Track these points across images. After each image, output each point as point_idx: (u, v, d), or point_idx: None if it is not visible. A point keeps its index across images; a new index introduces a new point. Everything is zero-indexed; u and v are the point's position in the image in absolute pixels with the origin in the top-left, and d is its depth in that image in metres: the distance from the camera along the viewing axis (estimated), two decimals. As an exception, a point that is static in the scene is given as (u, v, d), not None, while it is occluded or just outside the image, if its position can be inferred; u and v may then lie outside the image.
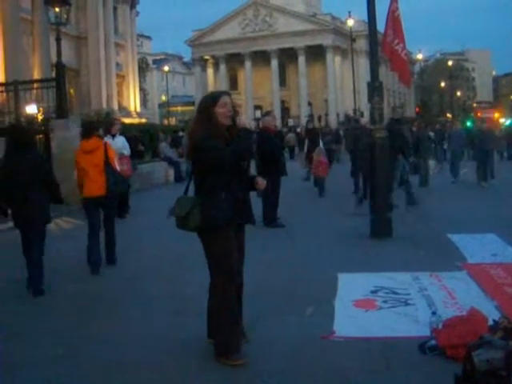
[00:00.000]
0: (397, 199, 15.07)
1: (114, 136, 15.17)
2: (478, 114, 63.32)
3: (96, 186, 9.77)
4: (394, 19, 12.92)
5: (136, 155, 28.34)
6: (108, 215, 10.27)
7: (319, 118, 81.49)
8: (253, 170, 7.66)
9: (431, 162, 24.11)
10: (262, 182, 5.86)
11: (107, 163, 9.94)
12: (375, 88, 12.19)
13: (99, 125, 12.08)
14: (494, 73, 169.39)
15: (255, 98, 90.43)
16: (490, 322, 5.68)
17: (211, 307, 5.75)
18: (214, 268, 5.66)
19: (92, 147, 9.99)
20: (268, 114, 15.11)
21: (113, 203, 10.40)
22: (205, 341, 5.82)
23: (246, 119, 5.81)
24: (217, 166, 5.52)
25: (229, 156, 5.51)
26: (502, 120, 57.15)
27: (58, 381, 5.47)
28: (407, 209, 15.45)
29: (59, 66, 19.03)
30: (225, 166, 5.53)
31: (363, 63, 78.30)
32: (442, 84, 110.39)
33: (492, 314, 6.18)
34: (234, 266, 5.64)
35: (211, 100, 5.70)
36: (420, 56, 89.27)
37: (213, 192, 5.58)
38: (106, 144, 10.36)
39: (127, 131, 32.25)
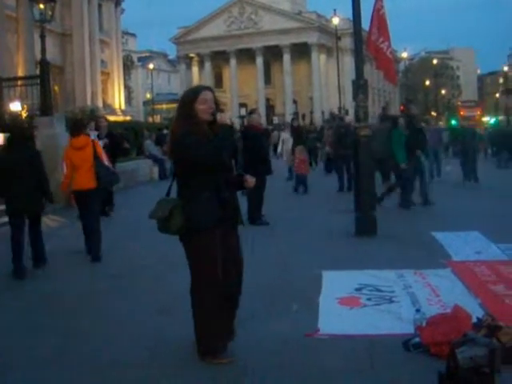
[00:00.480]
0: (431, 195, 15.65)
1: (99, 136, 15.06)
2: (461, 113, 63.66)
3: (86, 180, 10.38)
4: (379, 17, 12.94)
5: (122, 153, 28.36)
6: (93, 211, 10.74)
7: (303, 116, 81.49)
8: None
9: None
10: (251, 180, 5.63)
11: (96, 158, 10.59)
12: (360, 86, 12.21)
13: (87, 122, 12.27)
14: (478, 71, 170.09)
15: (240, 95, 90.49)
16: (474, 320, 5.70)
17: (192, 309, 5.59)
18: (194, 274, 5.49)
19: (81, 144, 10.63)
20: (253, 111, 15.02)
21: (100, 197, 11.20)
22: (192, 340, 5.76)
23: (228, 116, 5.71)
24: (197, 163, 5.29)
25: (210, 153, 5.28)
26: (485, 119, 57.36)
27: (48, 382, 5.44)
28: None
29: (43, 64, 18.95)
30: (206, 164, 5.30)
31: (348, 61, 78.63)
32: (427, 82, 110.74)
33: (476, 311, 6.20)
34: (217, 274, 5.38)
35: (192, 95, 5.52)
36: (405, 54, 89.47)
37: (195, 192, 5.36)
38: (93, 141, 11.11)
39: (112, 129, 32.29)
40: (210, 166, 5.32)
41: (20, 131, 10.08)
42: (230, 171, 5.65)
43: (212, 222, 5.34)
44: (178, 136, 5.40)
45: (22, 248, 9.52)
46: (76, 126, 11.16)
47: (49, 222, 13.95)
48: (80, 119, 12.79)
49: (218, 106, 5.52)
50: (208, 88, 5.67)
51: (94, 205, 10.72)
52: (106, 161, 11.19)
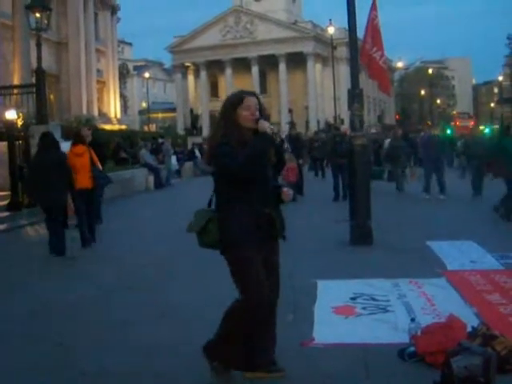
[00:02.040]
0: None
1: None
2: (457, 123, 64.42)
3: (85, 181, 12.49)
4: (373, 27, 12.98)
5: (120, 162, 28.41)
6: (91, 204, 12.94)
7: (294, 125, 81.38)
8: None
9: (407, 170, 23.94)
10: (288, 193, 5.24)
11: (93, 163, 12.86)
12: (355, 95, 12.23)
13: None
14: (473, 81, 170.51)
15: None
16: (469, 329, 5.70)
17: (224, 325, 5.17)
18: (241, 291, 5.07)
19: (81, 151, 12.77)
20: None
21: (97, 193, 13.41)
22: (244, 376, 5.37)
23: (268, 124, 5.15)
24: (228, 174, 4.95)
25: (241, 163, 4.85)
26: (481, 127, 57.79)
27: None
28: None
29: (39, 72, 18.98)
30: (238, 175, 4.93)
31: (344, 70, 78.49)
32: (422, 92, 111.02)
33: (471, 320, 6.20)
34: (261, 292, 5.02)
35: (235, 100, 5.12)
36: (400, 64, 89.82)
37: (230, 204, 5.01)
38: (89, 149, 13.05)
39: (109, 137, 32.35)
40: (242, 176, 4.96)
41: (47, 140, 12.16)
42: (267, 183, 5.17)
43: (247, 237, 5.00)
44: (213, 145, 5.10)
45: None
46: (78, 137, 13.18)
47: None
48: (80, 131, 13.96)
49: (262, 113, 5.13)
50: (253, 93, 5.27)
51: (91, 200, 12.90)
52: (99, 166, 13.50)
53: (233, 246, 5.01)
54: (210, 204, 5.22)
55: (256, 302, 4.98)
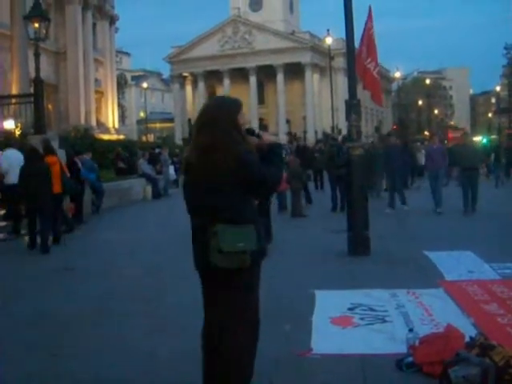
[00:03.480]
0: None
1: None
2: (450, 135, 65.16)
3: (57, 186, 14.51)
4: (368, 37, 13.02)
5: (118, 172, 28.44)
6: (58, 210, 14.88)
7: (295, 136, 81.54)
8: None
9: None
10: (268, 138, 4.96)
11: (62, 172, 15.20)
12: (353, 106, 12.24)
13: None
14: (471, 91, 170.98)
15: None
16: (467, 339, 5.70)
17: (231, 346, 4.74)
18: (244, 305, 4.83)
19: (53, 161, 14.72)
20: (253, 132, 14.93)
21: (63, 199, 15.61)
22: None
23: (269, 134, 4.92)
24: (258, 183, 4.62)
25: (272, 173, 4.65)
26: (476, 138, 58.02)
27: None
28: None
29: (37, 82, 18.97)
30: (267, 185, 4.73)
31: (341, 81, 78.77)
32: (420, 102, 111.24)
33: (469, 330, 6.19)
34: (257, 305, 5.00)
35: (236, 107, 4.75)
36: (398, 74, 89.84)
37: (254, 215, 4.69)
38: (59, 159, 15.39)
39: (109, 147, 32.40)
40: (270, 187, 4.83)
41: (32, 153, 14.32)
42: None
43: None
44: (241, 152, 4.53)
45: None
46: (48, 149, 15.16)
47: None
48: (49, 144, 15.88)
49: (263, 125, 4.84)
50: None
51: (60, 204, 15.10)
52: (67, 173, 15.92)
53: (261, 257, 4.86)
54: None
55: (251, 311, 4.93)
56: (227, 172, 4.48)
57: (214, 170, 4.51)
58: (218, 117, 4.61)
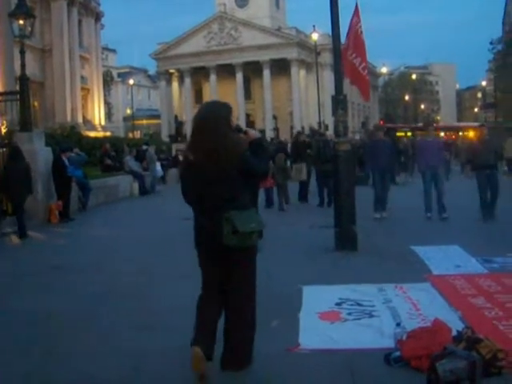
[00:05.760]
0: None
1: None
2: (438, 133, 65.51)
3: None
4: (354, 33, 13.00)
5: (105, 169, 28.34)
6: None
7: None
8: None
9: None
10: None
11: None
12: (339, 101, 12.24)
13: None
14: (457, 86, 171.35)
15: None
16: (454, 333, 5.72)
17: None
18: (252, 286, 5.71)
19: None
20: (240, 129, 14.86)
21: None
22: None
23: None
24: (256, 173, 5.60)
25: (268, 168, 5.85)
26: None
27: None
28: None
29: (23, 79, 18.86)
30: (260, 172, 5.68)
31: (328, 76, 78.67)
32: (406, 97, 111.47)
33: (456, 324, 6.22)
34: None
35: (229, 110, 5.61)
36: (384, 70, 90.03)
37: (252, 202, 5.69)
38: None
39: (96, 144, 32.29)
40: (262, 174, 5.86)
41: (14, 151, 15.65)
42: None
43: None
44: (241, 152, 5.37)
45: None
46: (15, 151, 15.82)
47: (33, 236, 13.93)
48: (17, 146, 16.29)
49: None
50: None
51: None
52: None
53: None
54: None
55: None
56: (229, 168, 5.29)
57: (217, 167, 5.29)
58: (217, 122, 5.36)
